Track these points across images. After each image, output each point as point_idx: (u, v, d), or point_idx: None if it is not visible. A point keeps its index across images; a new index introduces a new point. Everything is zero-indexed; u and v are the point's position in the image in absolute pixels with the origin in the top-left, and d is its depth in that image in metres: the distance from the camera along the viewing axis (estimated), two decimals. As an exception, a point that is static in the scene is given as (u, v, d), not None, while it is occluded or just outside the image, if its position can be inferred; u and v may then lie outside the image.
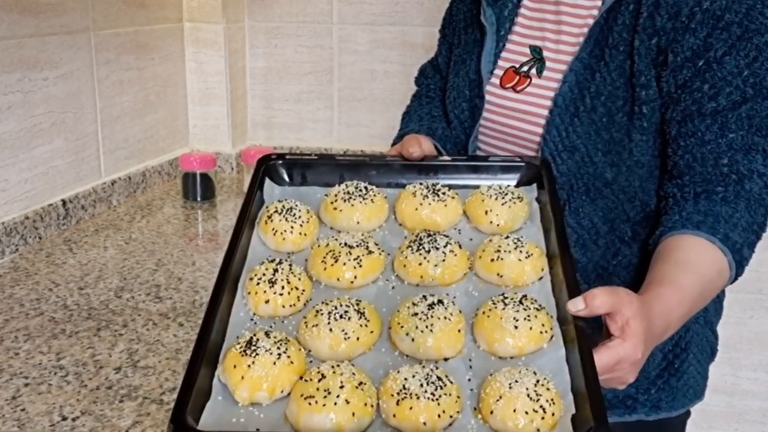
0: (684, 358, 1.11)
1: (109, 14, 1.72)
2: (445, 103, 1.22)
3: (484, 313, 0.87)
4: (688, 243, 0.94)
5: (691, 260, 0.93)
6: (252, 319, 0.89)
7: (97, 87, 1.71)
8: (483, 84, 1.14)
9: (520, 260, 0.92)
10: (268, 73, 2.15)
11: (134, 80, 1.84)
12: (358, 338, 0.85)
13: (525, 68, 1.11)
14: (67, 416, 0.95)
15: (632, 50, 1.00)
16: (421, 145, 1.09)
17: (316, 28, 2.09)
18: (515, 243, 0.94)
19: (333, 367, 0.80)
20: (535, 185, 1.06)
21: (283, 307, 0.90)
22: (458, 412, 0.78)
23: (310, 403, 0.77)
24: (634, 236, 1.06)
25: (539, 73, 1.09)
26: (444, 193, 1.03)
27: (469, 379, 0.82)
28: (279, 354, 0.81)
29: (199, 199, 1.84)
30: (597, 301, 0.82)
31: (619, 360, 0.82)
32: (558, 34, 1.08)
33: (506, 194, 1.02)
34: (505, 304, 0.86)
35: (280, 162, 1.11)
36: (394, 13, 2.04)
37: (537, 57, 1.10)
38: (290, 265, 0.93)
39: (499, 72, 1.13)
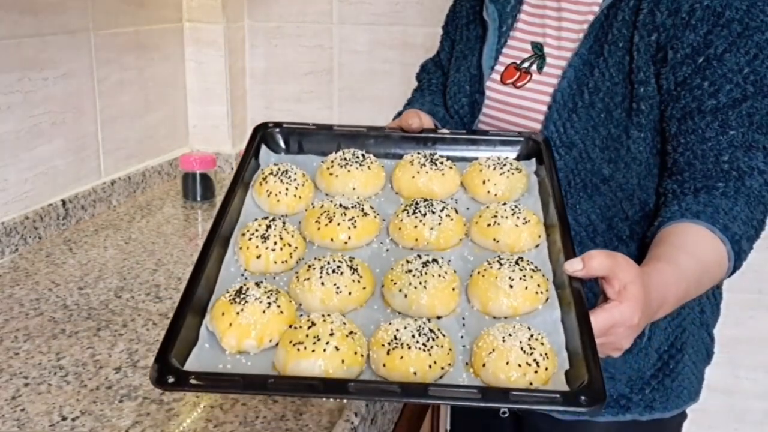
0: (679, 359, 1.11)
1: (109, 14, 1.72)
2: (446, 98, 1.22)
3: (479, 273, 0.86)
4: (688, 229, 0.94)
5: (689, 243, 0.93)
6: (242, 275, 0.88)
7: (97, 87, 1.70)
8: (483, 79, 1.14)
9: (517, 226, 0.92)
10: (268, 73, 2.15)
11: (134, 80, 1.84)
12: (350, 293, 0.84)
13: (526, 64, 1.12)
14: (67, 416, 0.95)
15: (631, 46, 1.00)
16: (420, 118, 1.09)
17: (316, 28, 2.09)
18: (512, 209, 0.93)
19: (323, 315, 0.79)
20: (534, 160, 1.06)
21: (275, 263, 0.89)
22: (449, 364, 0.77)
23: (298, 349, 0.75)
24: (632, 235, 1.06)
25: (540, 69, 1.10)
26: (442, 163, 1.02)
27: (462, 337, 0.81)
28: (269, 303, 0.80)
29: (199, 199, 1.84)
30: (595, 262, 0.81)
31: (615, 323, 0.80)
32: (559, 31, 1.09)
33: (504, 165, 1.02)
34: (501, 265, 0.85)
35: (277, 130, 1.10)
36: (394, 13, 2.04)
37: (538, 53, 1.11)
38: (284, 222, 0.93)
39: (500, 68, 1.14)
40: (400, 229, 0.94)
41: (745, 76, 0.95)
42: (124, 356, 1.09)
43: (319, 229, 0.93)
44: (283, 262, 0.89)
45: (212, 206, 1.83)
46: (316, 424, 0.93)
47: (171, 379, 0.70)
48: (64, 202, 1.60)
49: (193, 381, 0.71)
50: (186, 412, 0.95)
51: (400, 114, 1.20)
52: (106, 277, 1.37)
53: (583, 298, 0.80)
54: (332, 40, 2.10)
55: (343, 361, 0.75)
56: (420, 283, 0.83)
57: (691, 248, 0.92)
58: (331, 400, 0.97)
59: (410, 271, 0.85)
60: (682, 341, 1.11)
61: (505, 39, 1.15)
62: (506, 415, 1.16)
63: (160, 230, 1.63)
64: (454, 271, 0.87)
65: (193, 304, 0.80)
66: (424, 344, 0.76)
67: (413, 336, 0.77)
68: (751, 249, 0.98)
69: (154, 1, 1.90)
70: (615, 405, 1.11)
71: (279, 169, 1.01)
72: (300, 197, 0.99)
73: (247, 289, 0.81)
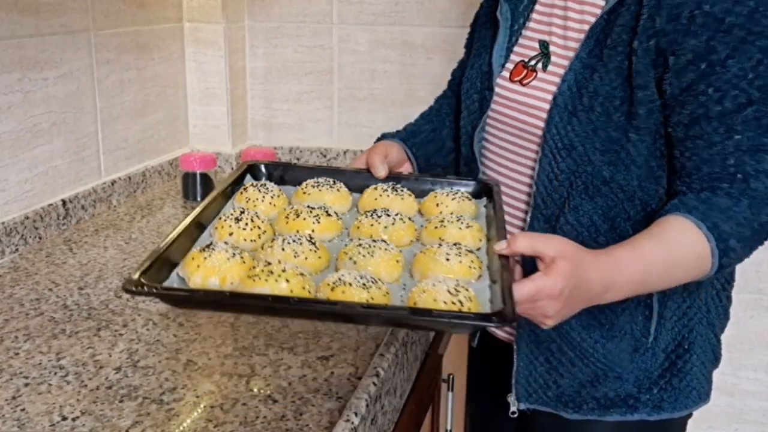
0: (687, 358, 1.11)
1: (109, 14, 1.72)
2: (460, 94, 1.27)
3: (422, 252, 1.00)
4: (674, 221, 0.98)
5: (667, 235, 0.97)
6: None
7: (97, 87, 1.71)
8: (493, 76, 1.17)
9: (460, 229, 1.05)
10: (268, 73, 2.15)
11: (134, 80, 1.84)
12: (306, 258, 0.95)
13: (533, 62, 1.13)
14: (67, 416, 0.95)
15: (631, 51, 1.00)
16: (385, 158, 1.21)
17: (316, 28, 2.09)
18: (458, 218, 1.07)
19: (280, 261, 0.91)
20: (485, 198, 1.18)
21: (245, 240, 1.01)
22: (386, 305, 0.88)
23: (253, 280, 0.86)
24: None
25: (545, 67, 1.11)
26: (402, 190, 1.17)
27: (402, 300, 0.93)
28: (234, 254, 0.92)
29: (199, 199, 1.84)
30: (518, 241, 0.92)
31: (538, 290, 0.88)
32: (565, 30, 1.10)
33: (457, 193, 1.17)
34: (440, 246, 0.99)
35: (263, 166, 1.25)
36: (394, 13, 2.04)
37: (544, 51, 1.12)
38: (256, 213, 1.06)
39: (510, 66, 1.16)
40: (358, 227, 1.07)
41: (749, 82, 0.95)
42: (124, 356, 1.09)
43: (287, 222, 1.06)
44: (252, 240, 1.01)
45: (212, 206, 1.83)
46: (316, 424, 0.93)
47: (134, 287, 0.83)
48: (64, 202, 1.60)
49: (147, 288, 0.83)
50: (186, 413, 0.95)
51: (382, 137, 1.32)
52: (106, 277, 1.37)
53: (508, 268, 0.91)
54: (332, 40, 2.10)
55: (291, 291, 0.86)
56: (368, 252, 0.96)
57: (665, 238, 0.96)
58: (333, 399, 0.97)
59: (360, 245, 0.98)
60: (689, 341, 1.11)
61: (516, 37, 1.17)
62: (515, 415, 1.18)
63: (161, 230, 1.63)
64: (400, 252, 1.00)
65: (167, 258, 0.91)
66: (364, 284, 0.88)
67: (356, 278, 0.89)
68: (748, 249, 0.99)
69: (154, 1, 1.90)
70: (623, 405, 1.12)
71: (259, 183, 1.16)
72: (274, 205, 1.12)
73: (216, 243, 0.95)
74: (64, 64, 1.59)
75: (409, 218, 1.09)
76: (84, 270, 1.40)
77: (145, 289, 0.83)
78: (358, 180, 1.22)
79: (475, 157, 1.23)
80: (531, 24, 1.16)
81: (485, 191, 1.19)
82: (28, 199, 1.53)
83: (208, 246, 0.93)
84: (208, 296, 0.86)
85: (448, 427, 1.51)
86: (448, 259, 0.95)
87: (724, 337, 1.20)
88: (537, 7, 1.16)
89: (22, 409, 0.96)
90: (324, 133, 2.17)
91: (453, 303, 0.86)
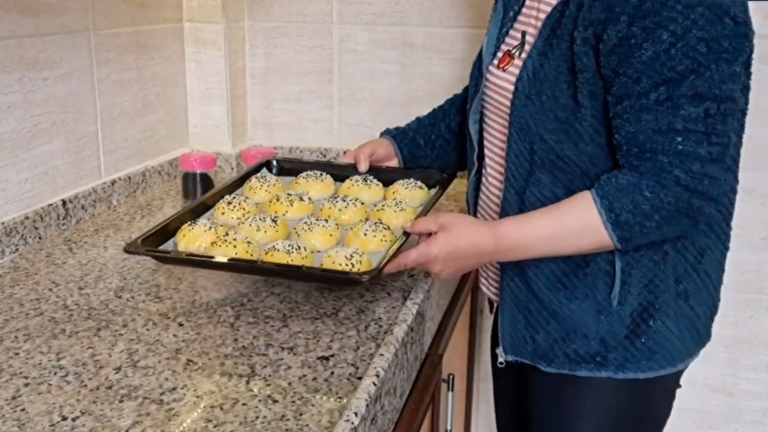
0: (650, 323, 1.18)
1: (109, 14, 1.72)
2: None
3: (351, 229, 1.30)
4: (580, 196, 1.11)
5: (562, 207, 1.12)
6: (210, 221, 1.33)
7: (97, 87, 1.70)
8: (483, 64, 1.30)
9: (395, 211, 1.34)
10: (268, 73, 2.15)
11: (134, 80, 1.84)
12: (265, 232, 1.28)
13: (513, 50, 1.25)
14: (67, 416, 0.95)
15: (572, 39, 1.11)
16: (370, 155, 1.48)
17: (316, 28, 2.09)
18: (397, 203, 1.37)
19: (236, 232, 1.27)
20: (439, 188, 1.45)
21: (232, 218, 1.36)
22: (283, 264, 1.17)
23: (213, 246, 1.23)
24: None
25: (519, 54, 1.23)
26: (371, 181, 1.47)
27: (321, 263, 1.20)
28: (210, 227, 1.28)
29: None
30: (417, 223, 1.21)
31: (418, 255, 1.16)
32: (537, 21, 1.21)
33: (411, 183, 1.45)
34: (365, 224, 1.29)
35: (275, 161, 1.60)
36: (394, 13, 2.04)
37: (522, 40, 1.23)
38: (246, 197, 1.42)
39: (499, 54, 1.28)
40: (321, 209, 1.39)
41: (662, 63, 1.03)
42: (124, 356, 1.09)
43: (270, 205, 1.40)
44: (237, 218, 1.36)
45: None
46: (316, 424, 0.93)
47: (131, 249, 1.20)
48: (64, 202, 1.60)
49: (138, 249, 1.21)
50: (186, 413, 0.95)
51: (383, 133, 1.55)
52: (106, 277, 1.37)
53: (404, 240, 1.21)
54: (332, 40, 2.09)
55: (236, 254, 1.20)
56: (309, 228, 1.28)
57: (559, 210, 1.12)
58: (333, 399, 0.98)
59: (306, 222, 1.30)
60: (655, 307, 1.17)
61: (507, 29, 1.28)
62: (503, 365, 1.31)
63: (160, 230, 1.63)
64: (337, 227, 1.30)
65: (168, 228, 1.28)
66: (288, 251, 1.19)
67: (285, 246, 1.20)
68: (655, 224, 1.06)
69: (154, 1, 1.90)
70: (591, 361, 1.20)
71: (261, 175, 1.51)
72: (269, 192, 1.46)
73: (199, 219, 1.32)
74: (64, 64, 1.59)
75: (362, 203, 1.39)
76: (84, 270, 1.40)
77: (138, 250, 1.21)
78: (345, 172, 1.50)
79: (472, 137, 1.33)
80: (520, 17, 1.26)
81: (440, 182, 1.45)
82: (28, 199, 1.53)
83: (194, 222, 1.29)
84: (175, 256, 1.24)
85: (448, 427, 1.51)
86: (365, 234, 1.25)
87: (724, 338, 1.20)
88: (527, 1, 1.25)
89: (22, 409, 0.96)
90: (324, 133, 2.17)
91: (347, 265, 1.15)
